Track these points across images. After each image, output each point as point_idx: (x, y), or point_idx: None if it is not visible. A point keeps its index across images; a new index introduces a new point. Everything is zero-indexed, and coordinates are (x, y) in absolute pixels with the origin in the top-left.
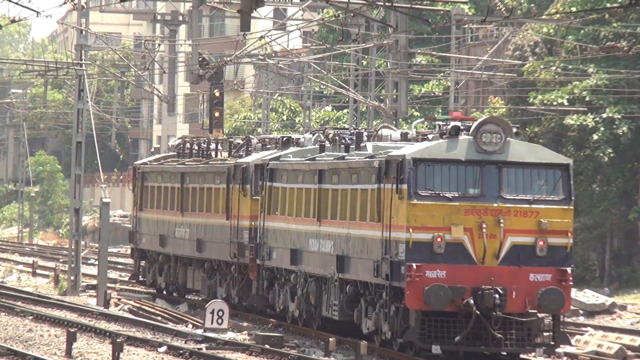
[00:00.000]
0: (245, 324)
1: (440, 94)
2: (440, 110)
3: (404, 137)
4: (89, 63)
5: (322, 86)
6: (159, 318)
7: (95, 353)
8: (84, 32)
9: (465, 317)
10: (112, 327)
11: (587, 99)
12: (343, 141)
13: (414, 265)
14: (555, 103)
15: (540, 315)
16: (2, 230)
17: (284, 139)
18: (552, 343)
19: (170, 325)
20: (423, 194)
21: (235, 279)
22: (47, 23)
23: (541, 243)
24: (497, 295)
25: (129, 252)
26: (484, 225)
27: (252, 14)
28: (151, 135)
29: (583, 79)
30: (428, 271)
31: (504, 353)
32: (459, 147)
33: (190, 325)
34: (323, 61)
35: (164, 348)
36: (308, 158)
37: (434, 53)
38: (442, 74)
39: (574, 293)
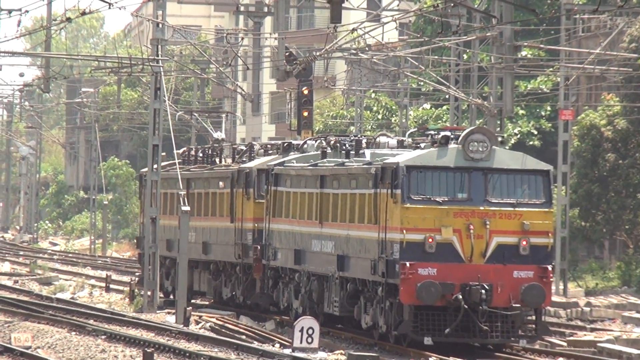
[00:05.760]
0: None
1: (548, 91)
2: (549, 109)
3: (401, 145)
4: (166, 59)
5: (419, 82)
6: (244, 337)
7: None
8: (160, 25)
9: (454, 311)
10: (193, 347)
11: None
12: (344, 148)
13: (408, 264)
14: None
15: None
16: (72, 242)
17: (285, 145)
18: (535, 334)
19: (255, 344)
20: (415, 198)
21: (240, 279)
22: (121, 16)
23: (524, 243)
24: (483, 291)
25: None
26: (472, 227)
27: (343, 4)
28: (234, 137)
29: None
30: (420, 269)
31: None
32: (449, 155)
33: (277, 345)
34: (421, 55)
35: None
36: (311, 164)
37: (541, 46)
38: (550, 69)
39: None
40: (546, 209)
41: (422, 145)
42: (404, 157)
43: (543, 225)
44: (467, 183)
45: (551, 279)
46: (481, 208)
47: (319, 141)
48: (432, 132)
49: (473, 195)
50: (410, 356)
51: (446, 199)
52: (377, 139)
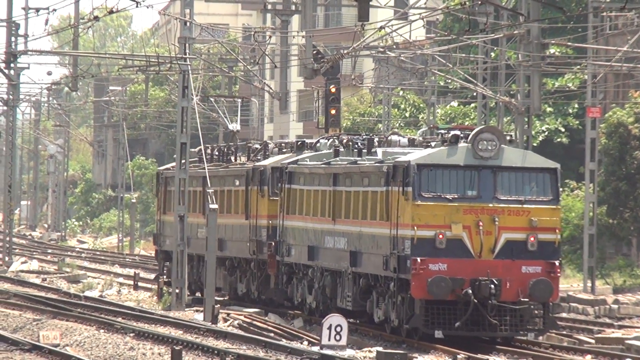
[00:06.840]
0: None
1: (576, 89)
2: (576, 106)
3: (412, 143)
4: (194, 57)
5: (447, 80)
6: (272, 334)
7: None
8: (188, 24)
9: (464, 305)
10: (221, 344)
11: None
12: (356, 146)
13: (419, 259)
14: None
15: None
16: (100, 240)
17: (299, 143)
18: (542, 328)
19: (283, 342)
20: (426, 195)
21: (255, 275)
22: (148, 14)
23: (532, 239)
24: (492, 286)
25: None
26: (481, 223)
27: (370, 3)
28: (262, 135)
29: None
30: (431, 264)
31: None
32: (458, 153)
33: (305, 342)
34: (448, 53)
35: None
36: (323, 162)
37: (569, 44)
38: (578, 67)
39: None
40: (553, 206)
41: (433, 144)
42: (415, 155)
43: (550, 222)
44: (477, 181)
45: (558, 274)
46: (490, 205)
47: (331, 140)
48: (443, 131)
49: (482, 193)
50: (438, 353)
51: (456, 196)
52: (389, 138)
